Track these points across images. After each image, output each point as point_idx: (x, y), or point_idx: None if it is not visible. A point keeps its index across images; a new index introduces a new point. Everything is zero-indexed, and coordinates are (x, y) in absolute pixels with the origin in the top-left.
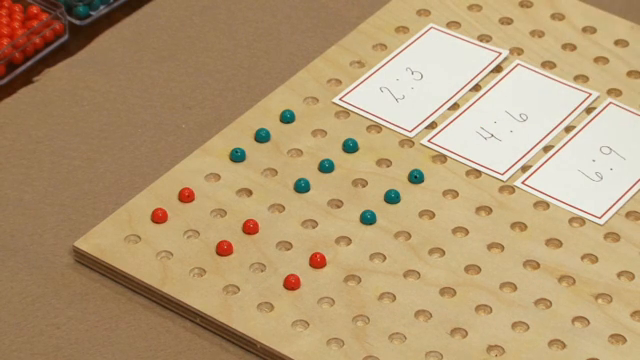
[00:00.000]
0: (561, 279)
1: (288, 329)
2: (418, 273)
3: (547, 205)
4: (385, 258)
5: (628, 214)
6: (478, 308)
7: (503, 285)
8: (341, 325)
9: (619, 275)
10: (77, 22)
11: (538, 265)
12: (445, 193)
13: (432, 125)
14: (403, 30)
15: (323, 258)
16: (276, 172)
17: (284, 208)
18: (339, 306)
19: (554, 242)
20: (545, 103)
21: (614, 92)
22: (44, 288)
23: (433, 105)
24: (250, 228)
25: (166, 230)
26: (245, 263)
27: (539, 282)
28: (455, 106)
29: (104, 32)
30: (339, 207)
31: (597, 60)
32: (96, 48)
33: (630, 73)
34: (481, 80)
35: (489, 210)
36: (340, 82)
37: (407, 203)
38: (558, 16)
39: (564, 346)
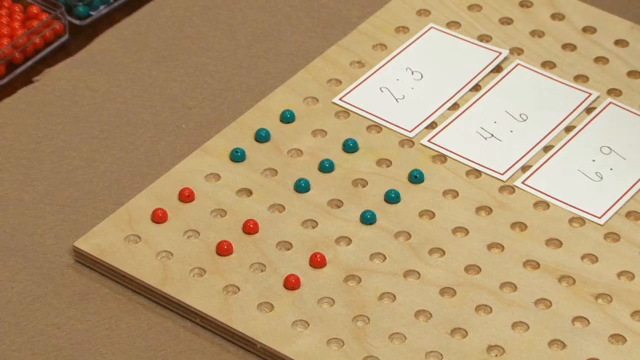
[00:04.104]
0: (561, 279)
1: (288, 329)
2: (418, 273)
3: (547, 205)
4: (385, 258)
5: (628, 214)
6: (478, 308)
7: (503, 285)
8: (341, 325)
9: (619, 275)
10: (77, 22)
11: (538, 265)
12: (445, 193)
13: (432, 125)
14: (403, 30)
15: (323, 258)
16: (276, 172)
17: (284, 208)
18: (339, 306)
19: (554, 242)
20: (545, 103)
21: (614, 92)
22: (44, 288)
23: (433, 105)
24: (250, 228)
25: (166, 230)
26: (245, 263)
27: (539, 282)
28: (455, 106)
29: (104, 32)
30: (339, 207)
31: (597, 60)
32: (96, 48)
33: (630, 73)
34: (481, 80)
35: (489, 210)
36: (340, 82)
37: (407, 203)
38: (558, 16)
39: (564, 346)
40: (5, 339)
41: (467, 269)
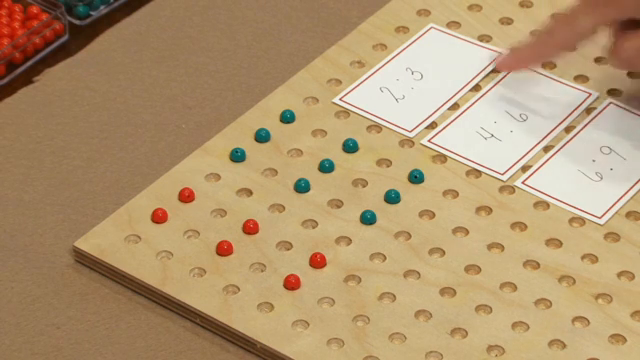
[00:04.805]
0: (561, 279)
1: (288, 329)
2: (418, 273)
3: (547, 205)
4: (385, 258)
5: (628, 214)
6: (478, 308)
7: (503, 285)
8: (341, 325)
9: (619, 275)
10: (77, 22)
11: (538, 265)
12: (445, 193)
13: (432, 125)
14: (403, 30)
15: (323, 258)
16: (276, 172)
17: (284, 208)
18: (339, 306)
19: (554, 242)
20: (545, 103)
21: (614, 92)
22: (44, 288)
23: (433, 105)
24: (250, 228)
25: (166, 230)
26: (245, 263)
27: (539, 282)
28: (455, 106)
29: (104, 32)
30: (339, 207)
31: (597, 60)
32: (96, 48)
33: (630, 73)
34: (481, 80)
35: (489, 210)
36: (340, 82)
37: (407, 203)
38: None
39: (564, 346)
40: (5, 339)
41: (467, 269)
